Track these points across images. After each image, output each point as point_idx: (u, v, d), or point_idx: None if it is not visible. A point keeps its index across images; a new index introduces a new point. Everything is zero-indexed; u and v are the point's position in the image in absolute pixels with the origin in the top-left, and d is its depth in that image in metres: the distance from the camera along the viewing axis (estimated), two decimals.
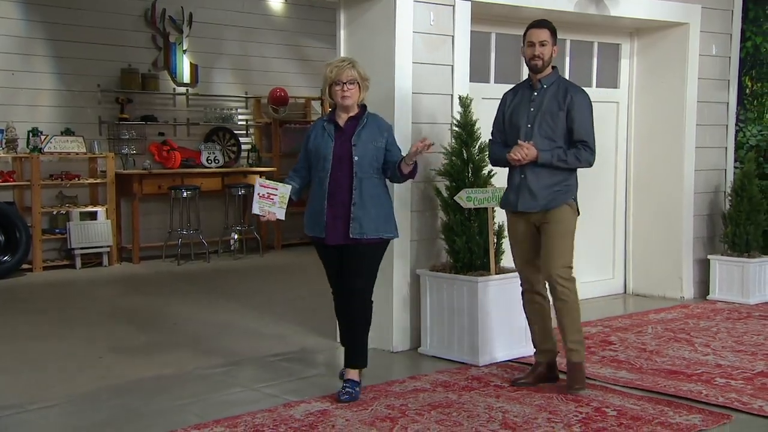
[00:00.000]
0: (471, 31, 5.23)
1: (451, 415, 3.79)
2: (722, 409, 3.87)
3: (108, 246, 8.45)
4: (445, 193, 4.88)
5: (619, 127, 6.73)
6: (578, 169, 4.18)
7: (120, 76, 8.89)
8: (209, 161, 9.29)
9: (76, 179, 8.42)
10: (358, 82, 3.99)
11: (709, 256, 6.59)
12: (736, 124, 6.94)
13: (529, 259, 4.22)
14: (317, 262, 4.22)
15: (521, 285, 4.33)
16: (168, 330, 5.65)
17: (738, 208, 6.44)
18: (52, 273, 8.07)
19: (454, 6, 5.13)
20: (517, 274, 4.40)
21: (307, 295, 6.79)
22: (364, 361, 4.12)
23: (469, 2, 5.18)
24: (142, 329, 5.66)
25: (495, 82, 5.78)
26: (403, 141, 4.63)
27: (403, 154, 4.10)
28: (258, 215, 4.04)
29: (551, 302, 4.19)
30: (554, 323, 4.23)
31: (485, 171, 4.80)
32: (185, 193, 8.68)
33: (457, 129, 4.89)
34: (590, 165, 4.15)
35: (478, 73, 5.56)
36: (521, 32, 4.23)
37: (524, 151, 4.03)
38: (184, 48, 9.36)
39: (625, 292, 6.85)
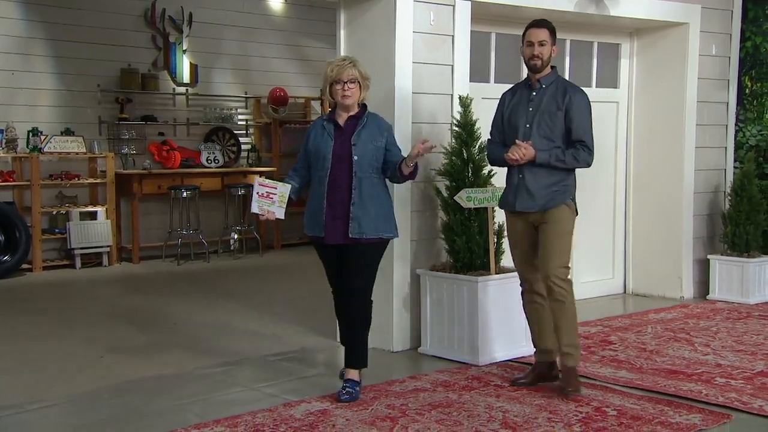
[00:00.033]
0: (471, 31, 5.23)
1: (451, 414, 3.79)
2: (722, 409, 3.87)
3: (108, 246, 8.45)
4: (445, 193, 4.88)
5: (618, 127, 6.73)
6: (577, 169, 4.18)
7: (120, 76, 8.89)
8: (209, 161, 9.29)
9: (76, 179, 8.42)
10: (358, 82, 3.98)
11: (708, 256, 6.60)
12: (736, 124, 6.95)
13: (528, 259, 4.21)
14: (317, 262, 4.22)
15: (521, 285, 4.33)
16: (168, 330, 5.65)
17: (738, 208, 6.44)
18: (52, 273, 8.07)
19: (454, 6, 5.13)
20: (516, 274, 4.40)
21: (306, 294, 6.80)
22: (365, 361, 4.12)
23: (469, 2, 5.18)
24: (142, 329, 5.66)
25: (495, 82, 5.78)
26: (403, 141, 4.63)
27: (404, 154, 4.11)
28: (257, 214, 4.03)
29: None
30: None
31: (485, 171, 4.80)
32: (185, 193, 8.68)
33: (457, 129, 4.89)
34: (588, 165, 4.14)
35: (478, 73, 5.57)
36: (521, 32, 4.22)
37: (522, 151, 4.02)
38: (184, 48, 9.36)
39: (624, 291, 6.86)
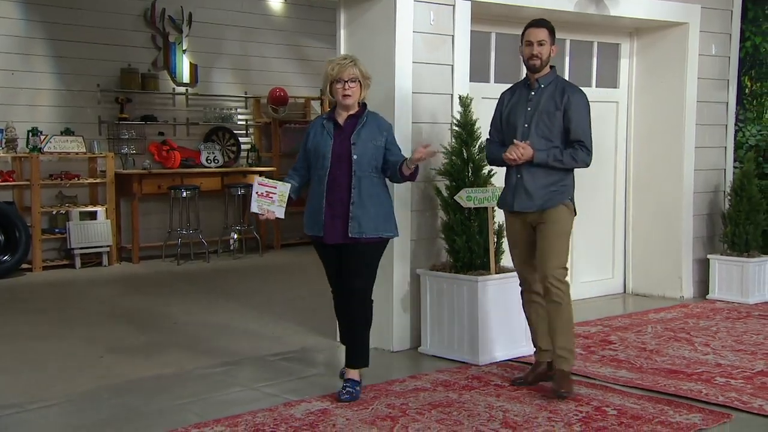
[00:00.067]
0: (471, 31, 5.23)
1: (451, 414, 3.79)
2: (722, 408, 3.87)
3: (108, 246, 8.45)
4: (445, 193, 4.88)
5: (618, 127, 6.73)
6: (576, 169, 4.17)
7: (120, 75, 8.89)
8: (209, 161, 9.29)
9: (76, 179, 8.42)
10: (359, 81, 3.96)
11: (708, 256, 6.60)
12: (736, 124, 6.95)
13: (527, 259, 4.21)
14: (317, 262, 4.22)
15: (520, 285, 4.33)
16: (168, 330, 5.65)
17: (737, 208, 6.45)
18: (52, 273, 8.07)
19: (454, 6, 5.13)
20: (516, 273, 4.40)
21: (306, 294, 6.80)
22: (365, 360, 4.11)
23: (469, 2, 5.18)
24: (141, 329, 5.66)
25: (495, 82, 5.78)
26: (404, 141, 4.63)
27: (404, 153, 4.10)
28: (257, 214, 4.01)
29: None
30: None
31: (485, 170, 4.80)
32: (185, 193, 8.68)
33: (457, 128, 4.89)
34: (587, 165, 4.13)
35: (478, 73, 5.57)
36: (521, 32, 4.22)
37: (520, 150, 4.01)
38: (184, 48, 9.36)
39: (624, 291, 6.86)
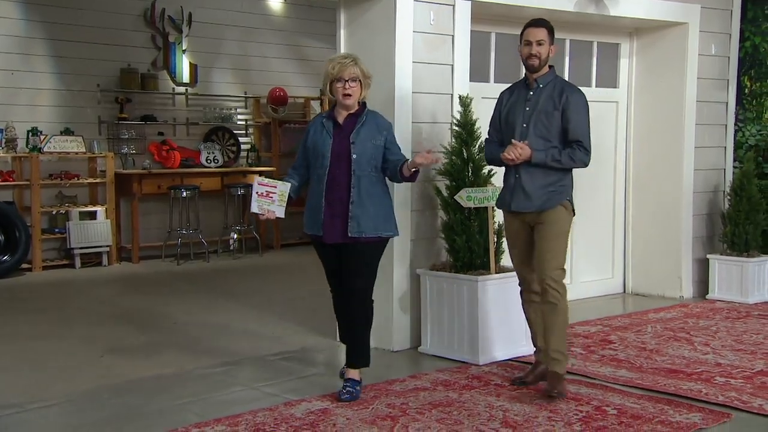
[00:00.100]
0: (471, 31, 5.24)
1: (451, 413, 3.79)
2: (722, 408, 3.88)
3: (107, 245, 8.45)
4: (445, 193, 4.88)
5: (618, 127, 6.74)
6: (575, 169, 4.16)
7: (119, 75, 8.89)
8: (209, 161, 9.29)
9: (76, 179, 8.43)
10: (360, 80, 3.94)
11: (708, 256, 6.61)
12: (735, 124, 6.96)
13: (525, 259, 4.20)
14: (316, 262, 4.21)
15: (519, 285, 4.33)
16: (167, 329, 5.65)
17: (737, 208, 6.45)
18: (52, 272, 8.07)
19: (454, 6, 5.13)
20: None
21: (306, 294, 6.80)
22: (366, 360, 4.11)
23: (469, 2, 5.18)
24: (141, 329, 5.66)
25: (495, 82, 5.78)
26: (404, 141, 4.64)
27: (404, 153, 4.09)
28: (257, 214, 4.00)
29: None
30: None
31: (485, 170, 4.80)
32: (185, 193, 8.68)
33: (457, 128, 4.89)
34: (585, 165, 4.11)
35: (477, 73, 5.57)
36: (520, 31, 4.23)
37: (518, 150, 3.99)
38: (184, 48, 9.36)
39: (624, 291, 6.86)
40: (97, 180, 8.57)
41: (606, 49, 6.61)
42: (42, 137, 8.15)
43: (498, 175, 4.67)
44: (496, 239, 4.76)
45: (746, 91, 7.04)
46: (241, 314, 6.14)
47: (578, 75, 6.31)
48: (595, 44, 6.51)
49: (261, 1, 10.02)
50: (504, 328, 4.68)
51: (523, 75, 4.27)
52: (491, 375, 4.42)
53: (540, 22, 4.14)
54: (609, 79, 6.68)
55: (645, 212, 6.73)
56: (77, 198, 8.59)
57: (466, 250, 4.76)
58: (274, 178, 4.20)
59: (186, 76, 9.39)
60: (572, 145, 4.05)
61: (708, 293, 6.58)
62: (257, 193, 3.97)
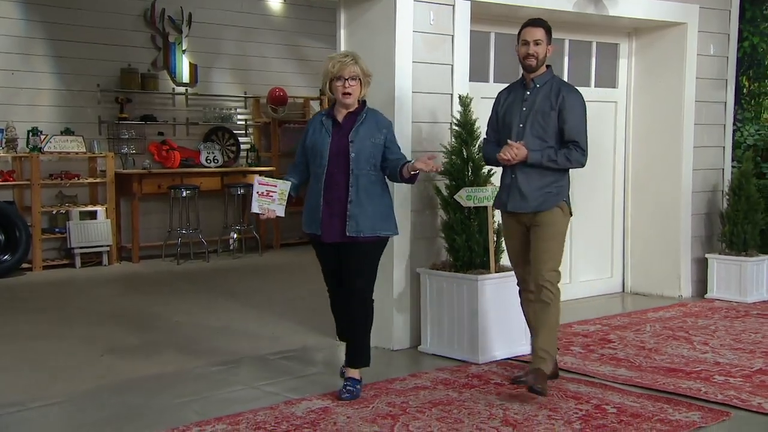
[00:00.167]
0: (470, 31, 5.25)
1: (451, 412, 3.80)
2: (721, 407, 3.89)
3: (108, 245, 8.46)
4: (445, 192, 4.89)
5: (617, 127, 6.75)
6: (573, 170, 4.16)
7: (120, 75, 8.90)
8: (208, 161, 9.30)
9: (76, 179, 8.44)
10: (360, 78, 3.92)
11: (707, 255, 6.62)
12: (734, 124, 6.97)
13: (523, 259, 4.19)
14: (316, 261, 4.20)
15: (517, 284, 4.33)
16: (168, 329, 5.66)
17: (735, 207, 6.47)
18: (52, 272, 8.08)
19: (453, 6, 5.15)
20: None
21: (306, 294, 6.81)
22: (366, 360, 4.11)
23: (469, 2, 5.20)
24: (141, 328, 5.67)
25: (494, 82, 5.80)
26: (404, 140, 4.65)
27: (404, 152, 4.09)
28: (257, 213, 3.99)
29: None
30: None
31: (485, 170, 4.81)
32: (185, 193, 8.69)
33: (457, 128, 4.90)
34: (582, 165, 4.11)
35: (477, 73, 5.58)
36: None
37: (514, 151, 3.99)
38: (184, 48, 9.37)
39: (623, 290, 6.88)
40: (98, 180, 8.58)
41: (605, 49, 6.62)
42: (42, 137, 8.16)
43: (498, 174, 4.68)
44: (495, 238, 4.78)
45: (745, 91, 7.05)
46: (241, 314, 6.15)
47: (577, 75, 6.32)
48: (594, 44, 6.53)
49: (261, 1, 10.03)
50: (504, 327, 4.70)
51: (521, 75, 4.28)
52: (491, 374, 4.43)
53: (537, 21, 4.14)
54: (608, 79, 6.69)
55: (644, 212, 6.75)
56: (77, 198, 8.60)
57: (465, 250, 4.77)
58: (273, 178, 4.20)
59: (186, 76, 9.40)
60: (568, 145, 4.04)
61: (707, 292, 6.59)
62: (257, 192, 3.96)
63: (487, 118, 4.39)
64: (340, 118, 4.00)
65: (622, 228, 6.83)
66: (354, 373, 4.07)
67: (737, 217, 6.45)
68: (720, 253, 6.58)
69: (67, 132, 8.43)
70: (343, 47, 5.14)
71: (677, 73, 6.51)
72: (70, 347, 5.16)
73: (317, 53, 9.98)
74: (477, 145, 4.84)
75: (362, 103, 4.03)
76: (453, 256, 4.85)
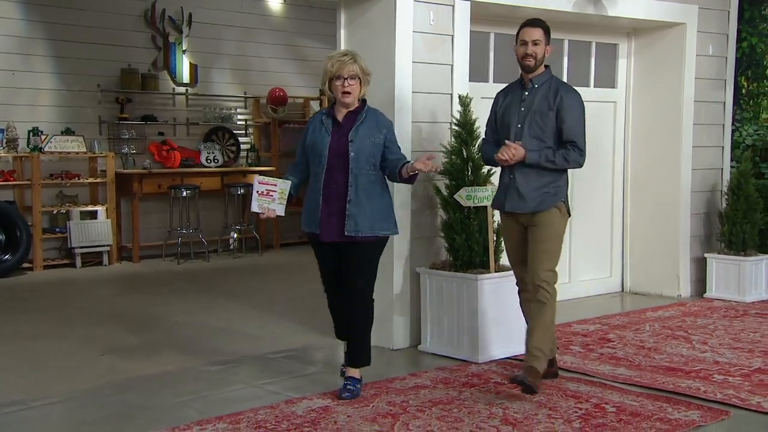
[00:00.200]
0: (470, 31, 5.26)
1: (452, 411, 3.82)
2: (720, 406, 3.91)
3: (108, 245, 8.47)
4: (444, 192, 4.91)
5: (616, 127, 6.77)
6: (572, 170, 4.16)
7: (120, 76, 8.91)
8: (209, 161, 9.32)
9: (77, 179, 8.45)
10: (359, 77, 3.91)
11: (706, 255, 6.64)
12: (733, 124, 6.99)
13: (521, 259, 4.19)
14: (316, 261, 4.21)
15: (516, 284, 4.34)
16: (168, 328, 5.67)
17: (734, 207, 6.48)
18: (53, 272, 8.09)
19: (453, 6, 5.16)
20: None
21: (306, 294, 6.81)
22: (367, 359, 4.11)
23: (469, 2, 5.21)
24: (142, 328, 5.68)
25: (494, 82, 5.81)
26: (403, 140, 4.66)
27: (404, 152, 4.10)
28: (257, 213, 3.99)
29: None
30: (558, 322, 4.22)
31: (485, 169, 4.82)
32: (185, 193, 8.71)
33: (456, 128, 4.92)
34: (579, 166, 4.11)
35: (477, 73, 5.59)
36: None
37: (511, 151, 3.99)
38: (184, 48, 9.38)
39: (622, 290, 6.89)
40: (98, 180, 8.59)
41: (604, 50, 6.63)
42: (43, 137, 8.17)
43: (497, 174, 4.70)
44: (495, 238, 4.79)
45: (743, 91, 7.06)
46: (242, 313, 6.16)
47: (577, 75, 6.34)
48: (593, 44, 6.54)
49: (261, 1, 10.04)
50: (503, 327, 4.71)
51: (519, 75, 4.28)
52: (491, 373, 4.44)
53: (536, 21, 4.14)
54: (607, 80, 6.70)
55: (643, 211, 6.76)
56: (78, 198, 8.61)
57: (465, 249, 4.78)
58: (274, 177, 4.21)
59: (186, 77, 9.41)
60: (566, 145, 4.04)
61: (705, 292, 6.61)
62: (257, 191, 3.96)
63: (487, 118, 4.40)
64: (340, 117, 3.99)
65: (621, 228, 6.85)
66: (354, 372, 4.08)
67: (736, 217, 6.46)
68: (719, 253, 6.59)
69: (67, 132, 8.44)
70: (343, 47, 5.14)
71: (676, 74, 6.52)
72: (70, 347, 5.18)
73: (317, 53, 9.98)
74: (477, 145, 4.85)
75: (362, 102, 4.02)
76: (453, 255, 4.86)
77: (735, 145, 7.03)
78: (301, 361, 4.78)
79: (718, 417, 3.76)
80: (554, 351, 4.32)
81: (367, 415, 3.75)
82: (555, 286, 4.07)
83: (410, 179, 3.99)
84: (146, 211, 8.97)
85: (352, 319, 4.06)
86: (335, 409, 3.83)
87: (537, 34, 4.07)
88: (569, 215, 4.18)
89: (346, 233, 3.92)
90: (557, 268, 4.11)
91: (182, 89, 9.40)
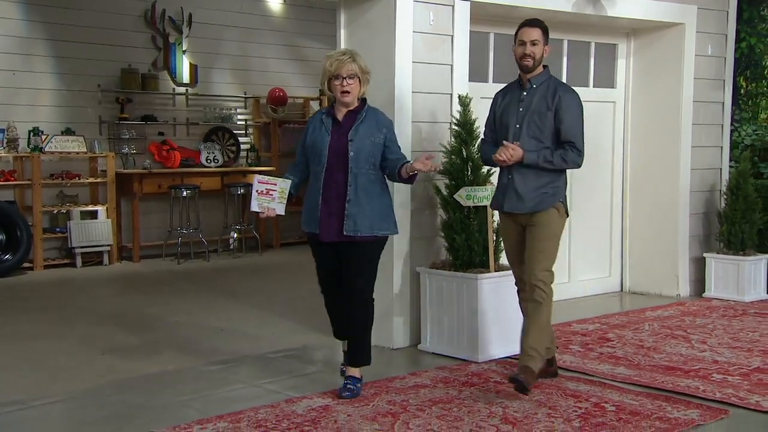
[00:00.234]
0: (470, 31, 5.27)
1: (451, 410, 3.83)
2: (719, 405, 3.92)
3: (108, 245, 8.48)
4: (444, 191, 4.92)
5: (615, 127, 6.78)
6: (570, 170, 4.16)
7: (120, 76, 8.92)
8: (209, 161, 9.33)
9: (77, 178, 8.46)
10: (358, 77, 3.91)
11: (704, 254, 6.65)
12: (732, 124, 7.00)
13: (520, 259, 4.20)
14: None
15: (515, 284, 4.34)
16: (168, 328, 5.68)
17: (733, 207, 6.49)
18: (53, 272, 8.10)
19: (453, 6, 5.17)
20: None
21: (306, 293, 6.81)
22: (367, 358, 4.11)
23: (468, 2, 5.22)
24: (142, 328, 5.69)
25: (493, 82, 5.82)
26: (403, 140, 4.67)
27: (404, 152, 4.11)
28: (257, 212, 3.99)
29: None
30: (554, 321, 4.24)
31: (484, 169, 4.83)
32: (185, 193, 8.72)
33: (456, 128, 4.93)
34: (578, 166, 4.11)
35: (476, 73, 5.60)
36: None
37: (510, 151, 3.99)
38: (184, 48, 9.39)
39: (622, 290, 6.90)
40: (98, 180, 8.60)
41: (603, 50, 6.64)
42: (43, 137, 8.18)
43: (497, 174, 4.71)
44: (495, 238, 4.80)
45: (742, 91, 7.07)
46: (242, 313, 6.17)
47: (576, 75, 6.35)
48: (592, 45, 6.55)
49: (261, 1, 10.05)
50: (503, 326, 4.71)
51: (518, 75, 4.29)
52: (491, 372, 4.45)
53: (534, 22, 4.14)
54: (606, 80, 6.71)
55: (642, 211, 6.77)
56: (78, 197, 8.63)
57: (465, 249, 4.79)
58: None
59: (186, 77, 9.42)
60: (565, 145, 4.04)
61: (704, 291, 6.62)
62: (257, 191, 3.96)
63: (486, 118, 4.41)
64: (339, 116, 3.99)
65: (620, 227, 6.86)
66: (354, 371, 4.08)
67: (735, 217, 6.47)
68: (718, 253, 6.60)
69: (67, 132, 8.46)
70: (343, 47, 5.14)
71: (675, 74, 6.54)
72: (70, 346, 5.18)
73: (317, 54, 9.98)
74: (476, 145, 4.86)
75: (362, 101, 4.02)
76: (453, 255, 4.87)
77: (734, 145, 7.04)
78: (301, 361, 4.79)
79: (717, 416, 3.77)
80: (554, 350, 4.33)
81: (368, 414, 3.76)
82: (552, 285, 4.07)
83: (410, 179, 3.99)
84: (146, 211, 8.98)
85: (352, 318, 4.06)
86: (335, 408, 3.84)
87: (535, 34, 4.08)
88: (567, 215, 4.19)
89: (345, 233, 3.92)
90: (554, 268, 4.12)
91: (182, 89, 9.41)
